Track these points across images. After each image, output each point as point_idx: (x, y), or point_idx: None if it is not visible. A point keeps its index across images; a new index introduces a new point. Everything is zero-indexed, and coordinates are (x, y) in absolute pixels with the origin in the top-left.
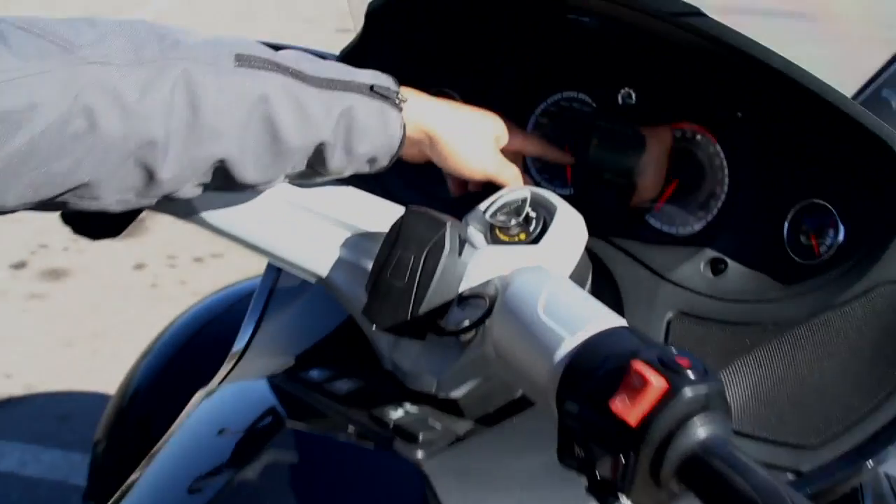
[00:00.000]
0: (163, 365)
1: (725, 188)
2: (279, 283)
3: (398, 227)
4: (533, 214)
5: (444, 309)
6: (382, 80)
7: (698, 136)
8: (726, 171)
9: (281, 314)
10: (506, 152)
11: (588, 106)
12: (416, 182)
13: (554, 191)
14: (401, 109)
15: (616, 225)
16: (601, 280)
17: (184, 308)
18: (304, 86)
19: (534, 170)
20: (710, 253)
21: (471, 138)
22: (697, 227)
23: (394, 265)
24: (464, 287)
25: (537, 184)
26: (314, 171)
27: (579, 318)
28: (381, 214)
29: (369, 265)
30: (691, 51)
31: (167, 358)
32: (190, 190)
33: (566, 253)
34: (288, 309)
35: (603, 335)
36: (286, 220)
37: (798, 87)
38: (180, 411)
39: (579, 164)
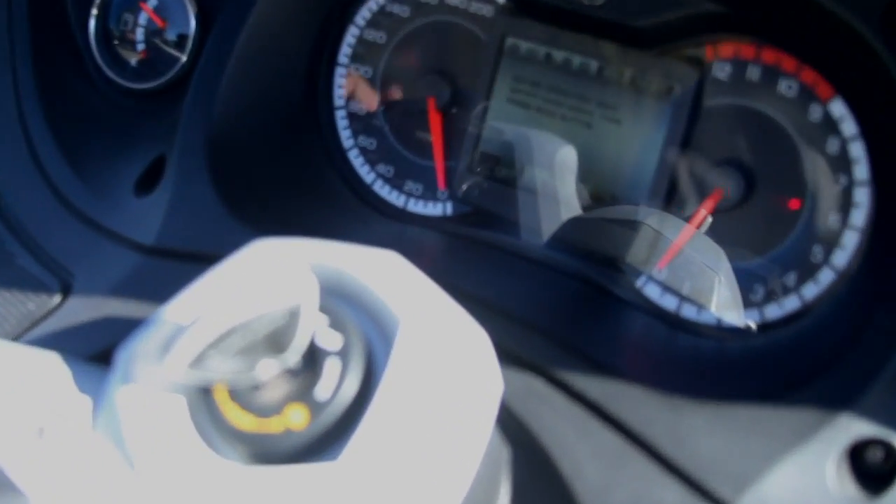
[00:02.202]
0: None
1: (860, 219)
2: None
3: None
4: (329, 344)
5: None
6: None
7: (784, 84)
8: (863, 176)
9: None
10: None
11: (485, 0)
12: None
13: (404, 210)
14: None
15: (562, 312)
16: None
17: None
18: None
19: (354, 151)
20: (850, 426)
21: None
22: (772, 317)
23: None
24: None
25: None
26: None
27: None
28: None
29: None
30: None
31: None
32: None
33: (430, 467)
34: None
35: None
36: None
37: None
38: None
39: (463, 143)
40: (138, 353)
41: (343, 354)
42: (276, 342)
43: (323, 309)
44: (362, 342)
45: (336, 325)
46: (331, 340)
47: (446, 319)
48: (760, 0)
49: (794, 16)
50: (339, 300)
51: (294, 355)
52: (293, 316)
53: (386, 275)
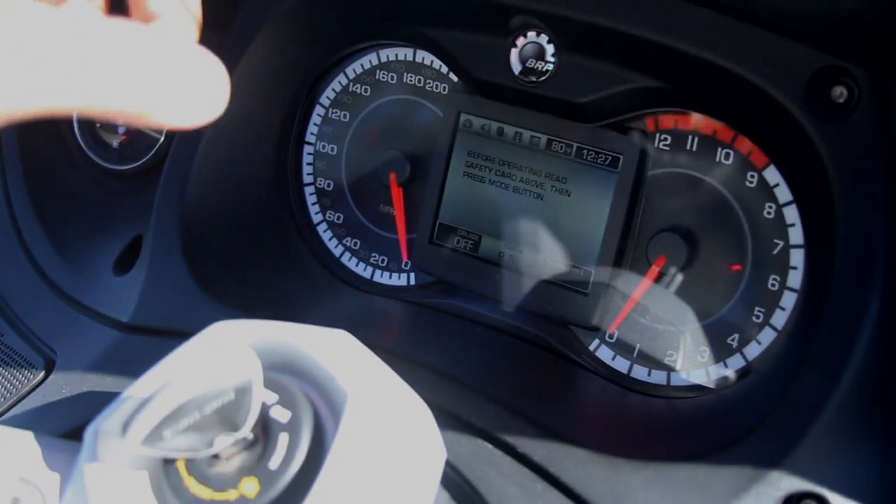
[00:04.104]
0: None
1: (797, 281)
2: None
3: None
4: (280, 418)
5: None
6: None
7: (721, 152)
8: (799, 240)
9: None
10: None
11: (441, 80)
12: None
13: (370, 281)
14: None
15: (515, 378)
16: None
17: None
18: None
19: (323, 225)
20: (781, 481)
21: None
22: (718, 376)
23: None
24: None
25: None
26: None
27: None
28: None
29: None
30: None
31: None
32: None
33: None
34: None
35: None
36: None
37: None
38: None
39: (425, 214)
40: (102, 431)
41: (291, 428)
42: (224, 418)
43: (274, 386)
44: (310, 416)
45: (285, 401)
46: (281, 415)
47: (390, 394)
48: (694, 75)
49: (725, 89)
50: (291, 377)
51: (243, 426)
52: (240, 392)
53: (335, 353)
